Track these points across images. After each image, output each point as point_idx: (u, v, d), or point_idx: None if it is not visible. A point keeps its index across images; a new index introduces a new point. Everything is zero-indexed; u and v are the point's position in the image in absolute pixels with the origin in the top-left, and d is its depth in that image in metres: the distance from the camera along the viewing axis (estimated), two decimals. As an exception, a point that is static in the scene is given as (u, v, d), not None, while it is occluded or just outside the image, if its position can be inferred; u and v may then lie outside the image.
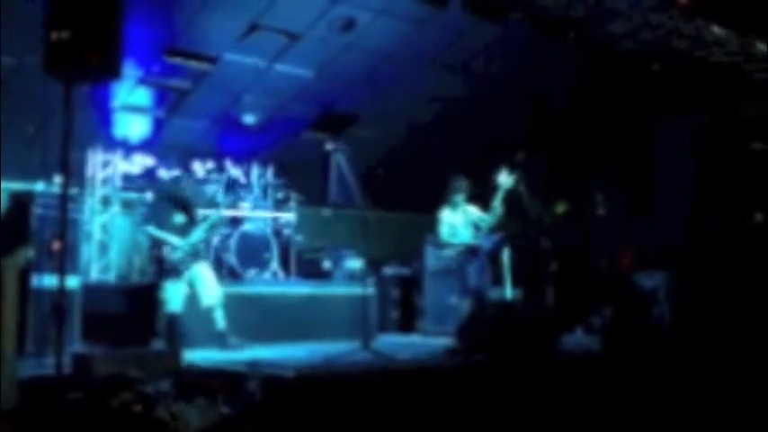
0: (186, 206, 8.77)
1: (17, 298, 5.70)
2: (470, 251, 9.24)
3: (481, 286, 9.30)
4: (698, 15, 10.74)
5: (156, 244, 8.55)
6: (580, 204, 11.18)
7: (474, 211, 9.33)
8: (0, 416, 5.29)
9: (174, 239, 8.46)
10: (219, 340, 8.37)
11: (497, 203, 9.02)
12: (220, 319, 8.43)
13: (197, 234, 8.61)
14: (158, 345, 8.10)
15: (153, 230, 8.58)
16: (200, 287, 8.47)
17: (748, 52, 11.27)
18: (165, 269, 8.42)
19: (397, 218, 12.18)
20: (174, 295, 8.34)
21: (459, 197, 9.29)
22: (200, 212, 9.07)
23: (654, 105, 12.04)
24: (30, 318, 7.51)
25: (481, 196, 9.43)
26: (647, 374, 7.70)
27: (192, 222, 8.66)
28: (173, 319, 8.30)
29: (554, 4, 10.07)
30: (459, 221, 9.30)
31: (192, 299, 8.45)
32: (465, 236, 9.28)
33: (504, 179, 9.04)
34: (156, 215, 8.82)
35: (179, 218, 8.63)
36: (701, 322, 9.47)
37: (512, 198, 9.25)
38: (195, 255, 8.58)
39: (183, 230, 8.57)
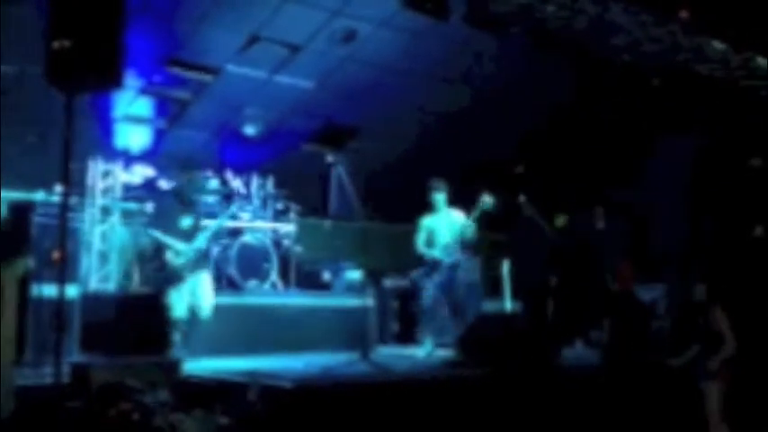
0: (192, 204, 8.78)
1: (17, 307, 5.71)
2: (431, 267, 9.11)
3: (457, 299, 9.17)
4: (699, 30, 10.77)
5: (159, 250, 8.53)
6: (579, 217, 11.16)
7: (459, 215, 9.21)
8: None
9: (177, 244, 8.46)
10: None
11: (473, 219, 9.02)
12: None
13: (200, 241, 8.61)
14: (168, 352, 8.04)
15: (157, 233, 8.59)
16: (199, 297, 8.46)
17: (749, 67, 11.29)
18: (167, 275, 8.42)
19: (397, 230, 12.16)
20: (176, 302, 8.33)
21: (440, 197, 9.21)
22: (203, 221, 9.06)
23: (654, 119, 12.06)
24: (29, 327, 7.50)
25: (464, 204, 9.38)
26: (646, 388, 7.69)
27: (197, 227, 8.66)
28: (175, 327, 8.27)
29: (555, 18, 10.10)
30: (441, 225, 9.19)
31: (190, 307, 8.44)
32: (444, 241, 9.11)
33: (487, 200, 9.00)
34: (163, 218, 8.81)
35: (186, 221, 8.63)
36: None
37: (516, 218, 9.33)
38: (198, 262, 8.58)
39: (189, 235, 8.57)
